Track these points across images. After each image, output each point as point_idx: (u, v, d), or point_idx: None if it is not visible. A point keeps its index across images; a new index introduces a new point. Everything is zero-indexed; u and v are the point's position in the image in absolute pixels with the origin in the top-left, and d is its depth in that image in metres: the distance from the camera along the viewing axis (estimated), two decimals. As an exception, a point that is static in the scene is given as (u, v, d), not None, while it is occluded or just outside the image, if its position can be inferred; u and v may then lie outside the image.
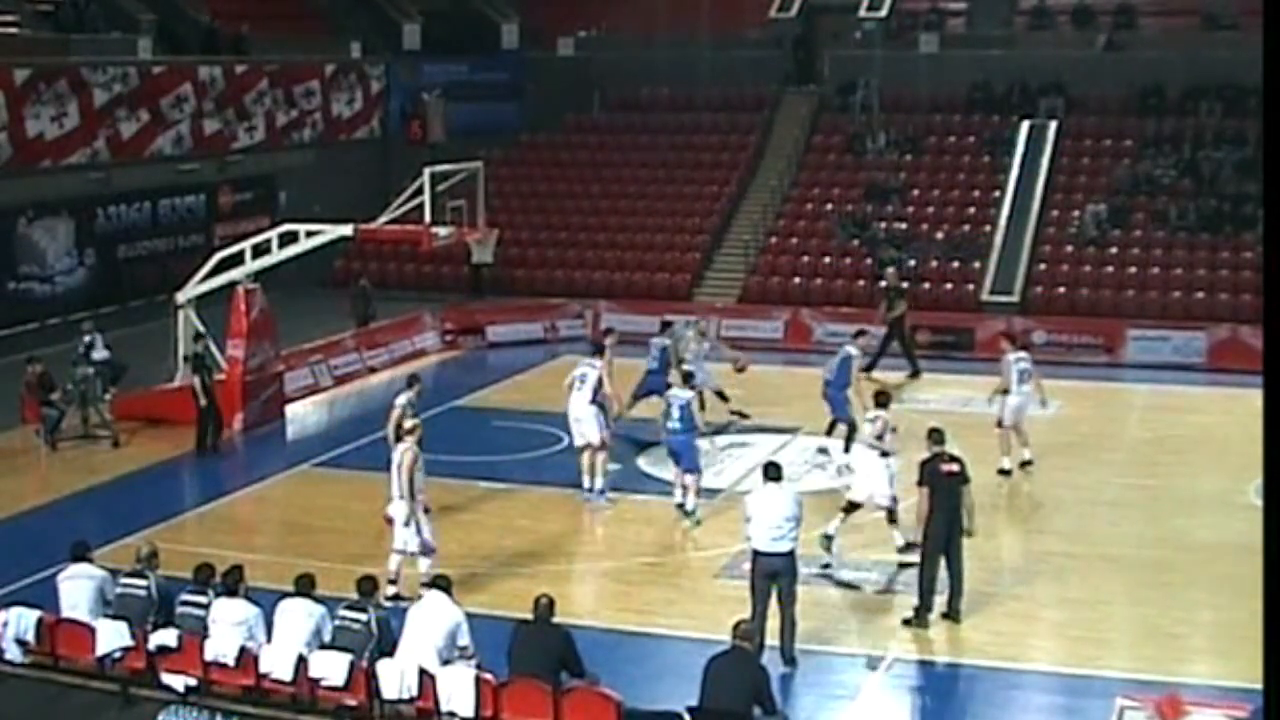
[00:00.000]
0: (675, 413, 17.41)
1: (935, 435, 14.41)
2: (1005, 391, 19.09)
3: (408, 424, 15.34)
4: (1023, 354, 19.62)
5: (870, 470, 15.92)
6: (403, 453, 14.64)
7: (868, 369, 24.66)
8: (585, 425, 18.08)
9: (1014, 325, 25.17)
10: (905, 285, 27.23)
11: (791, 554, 12.88)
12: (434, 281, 32.64)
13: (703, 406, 20.37)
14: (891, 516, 15.82)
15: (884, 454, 15.83)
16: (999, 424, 19.11)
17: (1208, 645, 13.82)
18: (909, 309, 26.12)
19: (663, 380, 20.93)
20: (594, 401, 18.18)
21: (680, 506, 17.61)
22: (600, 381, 18.21)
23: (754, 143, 35.40)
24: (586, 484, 18.09)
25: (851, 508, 15.81)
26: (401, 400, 17.10)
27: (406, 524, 14.51)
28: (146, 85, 29.49)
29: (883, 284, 27.42)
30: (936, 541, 13.85)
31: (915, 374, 25.24)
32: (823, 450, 19.91)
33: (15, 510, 17.91)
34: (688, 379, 18.16)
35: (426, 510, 14.70)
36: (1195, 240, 30.03)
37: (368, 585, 11.71)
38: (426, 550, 14.51)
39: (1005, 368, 19.27)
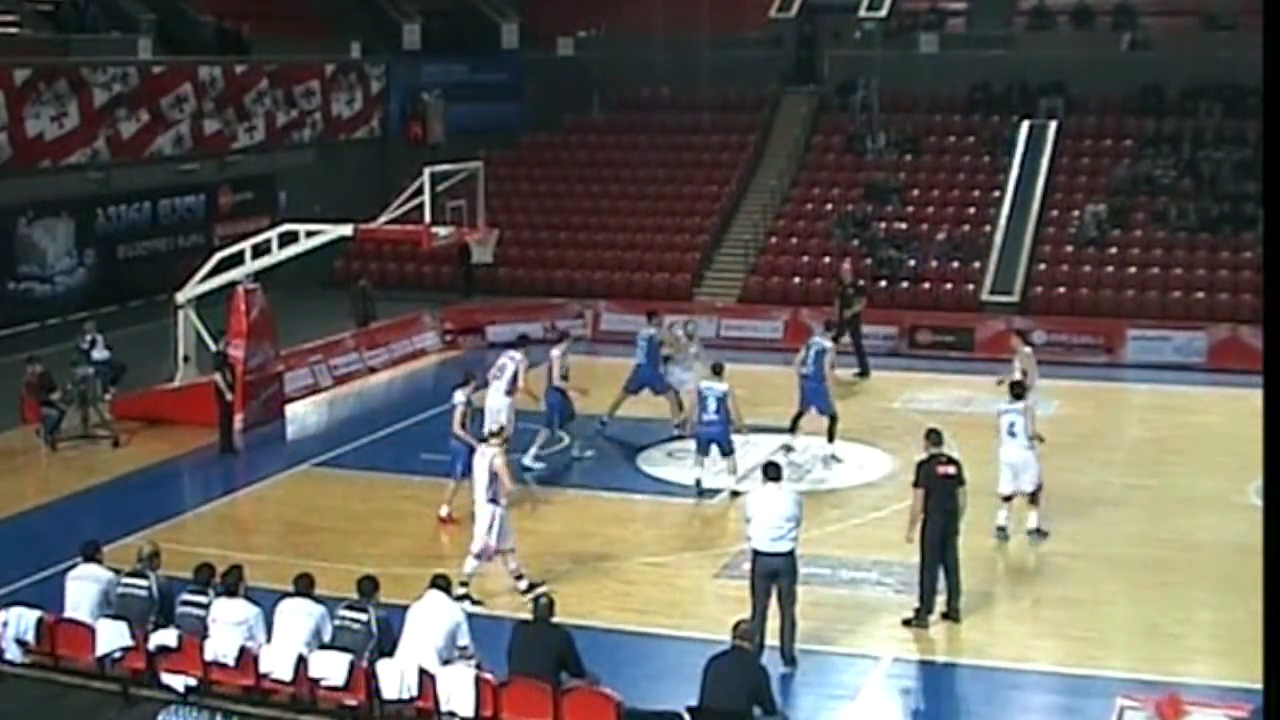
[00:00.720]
0: (711, 405, 17.70)
1: (933, 436, 14.41)
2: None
3: (494, 426, 15.12)
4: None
5: (1021, 460, 16.25)
6: (492, 457, 14.48)
7: (863, 373, 24.75)
8: (501, 416, 18.09)
9: (1014, 325, 25.12)
10: (862, 282, 27.00)
11: (791, 554, 12.89)
12: (434, 281, 32.66)
13: (680, 408, 20.46)
14: (1033, 498, 16.40)
15: (1035, 440, 16.28)
16: None
17: (1208, 645, 13.81)
18: (866, 306, 26.02)
19: (653, 372, 20.96)
20: (509, 393, 18.30)
21: (701, 493, 17.88)
22: (516, 375, 18.39)
23: (754, 143, 35.38)
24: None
25: (1019, 496, 16.34)
26: (460, 398, 17.02)
27: (490, 528, 14.38)
28: (146, 85, 29.46)
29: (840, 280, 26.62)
30: (934, 543, 13.85)
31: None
32: (787, 448, 19.67)
33: (15, 510, 17.93)
34: (718, 370, 18.19)
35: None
36: (1195, 240, 30.03)
37: (368, 585, 11.68)
38: (481, 554, 14.49)
39: (1027, 361, 19.20)
